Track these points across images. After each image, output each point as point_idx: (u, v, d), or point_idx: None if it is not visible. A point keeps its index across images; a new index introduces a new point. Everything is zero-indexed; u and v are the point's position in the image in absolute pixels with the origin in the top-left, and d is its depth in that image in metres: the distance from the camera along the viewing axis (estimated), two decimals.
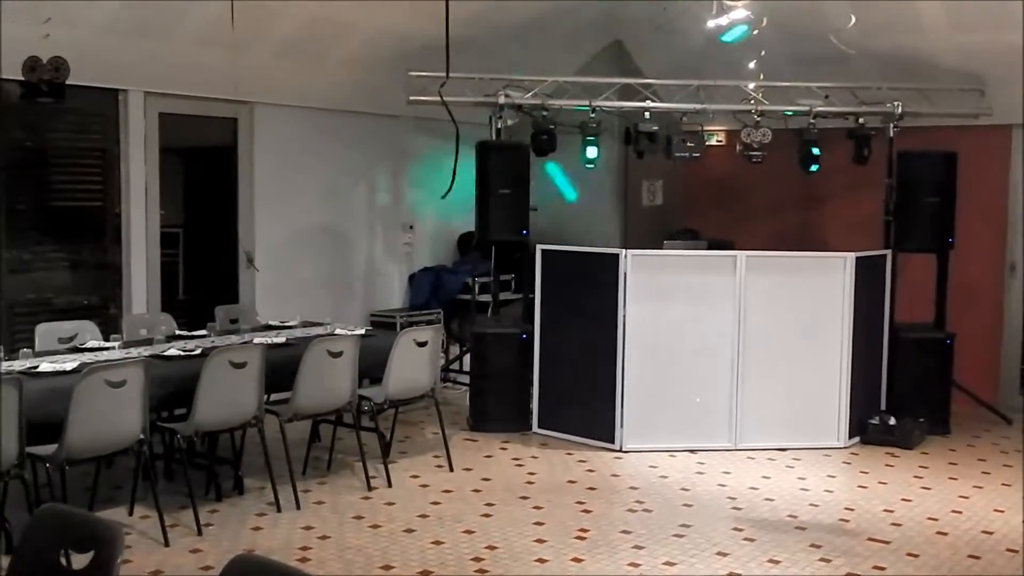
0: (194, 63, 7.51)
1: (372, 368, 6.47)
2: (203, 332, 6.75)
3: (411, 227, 10.00)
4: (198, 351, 5.97)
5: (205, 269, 8.64)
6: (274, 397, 6.17)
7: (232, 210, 8.54)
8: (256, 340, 6.30)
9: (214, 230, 8.67)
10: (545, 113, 8.34)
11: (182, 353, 5.95)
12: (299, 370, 5.90)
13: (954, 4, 7.88)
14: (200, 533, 5.41)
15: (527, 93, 8.33)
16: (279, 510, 5.79)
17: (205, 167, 8.92)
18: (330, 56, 8.34)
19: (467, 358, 8.49)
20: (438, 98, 8.15)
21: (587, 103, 8.43)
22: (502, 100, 8.21)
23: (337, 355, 6.05)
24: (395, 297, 9.89)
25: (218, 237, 8.60)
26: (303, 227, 8.97)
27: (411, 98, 8.17)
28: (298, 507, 5.85)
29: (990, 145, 8.87)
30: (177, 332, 6.77)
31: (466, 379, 8.45)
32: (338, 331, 6.82)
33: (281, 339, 6.52)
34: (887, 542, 5.53)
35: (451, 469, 6.72)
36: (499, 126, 8.31)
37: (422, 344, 6.52)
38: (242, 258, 8.49)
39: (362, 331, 6.89)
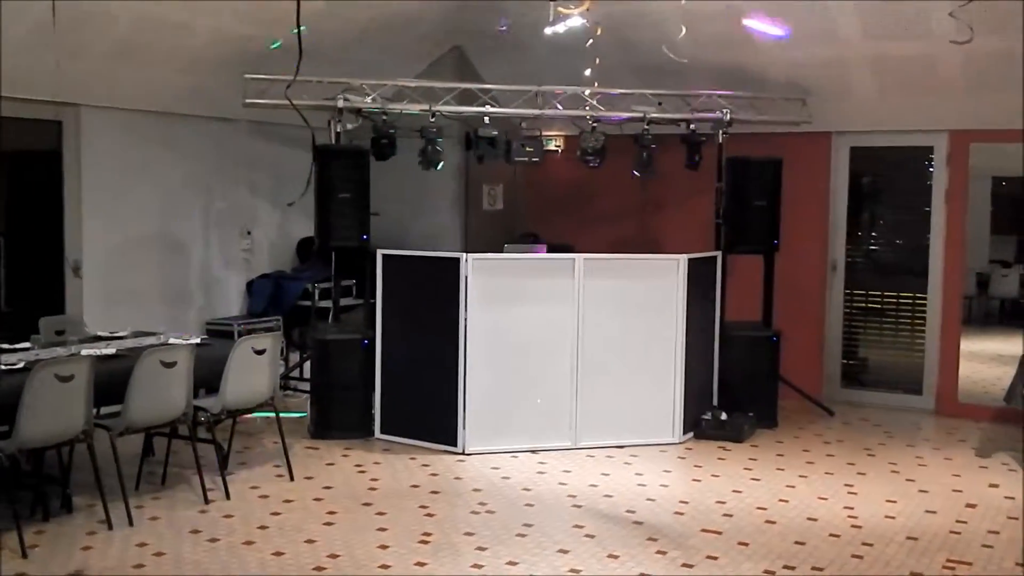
0: (15, 65, 7.15)
1: (209, 378, 6.32)
2: (27, 345, 6.43)
3: (249, 233, 9.79)
4: (21, 365, 5.70)
5: (28, 279, 8.24)
6: (104, 410, 5.95)
7: (58, 217, 8.16)
8: (84, 352, 6.06)
9: (38, 238, 8.28)
10: (385, 117, 8.31)
11: (4, 367, 5.66)
12: (130, 382, 5.70)
13: (781, 17, 8.26)
14: (25, 556, 5.15)
15: (367, 97, 8.28)
16: (111, 528, 5.58)
17: (28, 172, 8.51)
18: (162, 58, 8.08)
19: (308, 365, 8.37)
20: (275, 101, 8.03)
21: (427, 108, 8.45)
22: (341, 104, 8.14)
23: (171, 365, 5.87)
24: (233, 305, 9.67)
25: (43, 245, 8.21)
26: (135, 234, 8.66)
27: (247, 101, 8.02)
28: (131, 524, 5.65)
29: (812, 151, 9.33)
30: None
31: (307, 387, 8.33)
32: (172, 341, 6.63)
33: (111, 350, 6.29)
34: (719, 532, 5.75)
35: (292, 478, 6.61)
36: (338, 130, 8.23)
37: (260, 352, 6.40)
38: (68, 267, 8.14)
39: (197, 340, 6.72)
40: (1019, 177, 13.84)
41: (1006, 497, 6.52)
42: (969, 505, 6.34)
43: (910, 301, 9.33)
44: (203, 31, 7.92)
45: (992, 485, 6.80)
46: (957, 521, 6.03)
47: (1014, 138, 8.81)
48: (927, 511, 6.21)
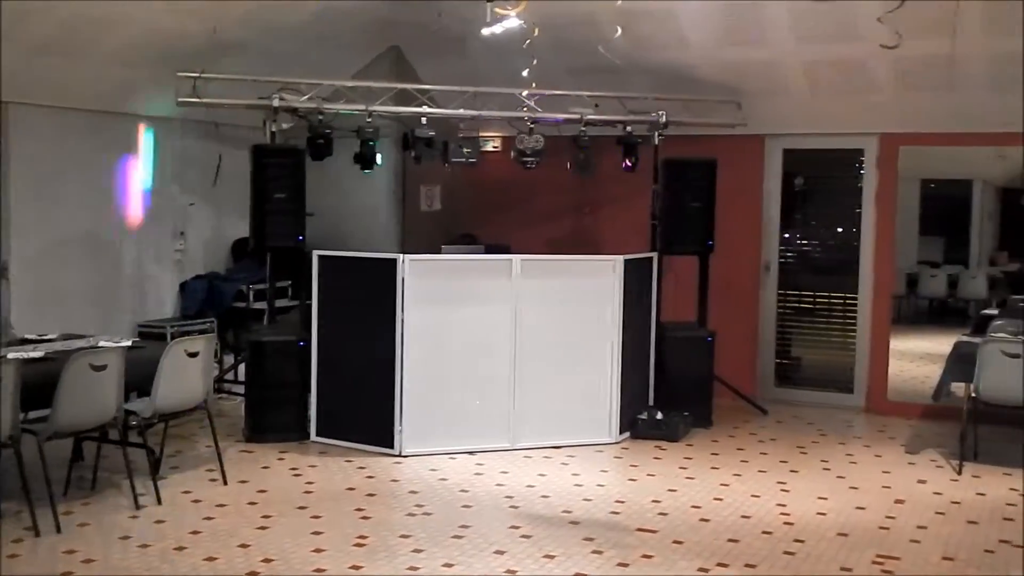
0: None
1: (141, 381, 6.21)
2: None
3: (182, 233, 9.65)
4: None
5: None
6: (32, 414, 5.81)
7: None
8: (10, 355, 5.91)
9: None
10: (321, 117, 8.25)
11: None
12: (59, 385, 5.58)
13: (717, 22, 8.36)
14: None
15: (303, 96, 8.21)
16: (38, 535, 5.45)
17: None
18: (93, 55, 7.92)
19: (242, 368, 8.28)
20: (209, 99, 7.95)
21: (364, 108, 8.40)
22: (277, 103, 8.06)
23: (101, 368, 5.76)
24: (166, 307, 9.51)
25: None
26: (65, 234, 8.47)
27: (180, 99, 7.91)
28: (59, 530, 5.53)
29: (746, 153, 9.45)
30: None
31: (241, 389, 8.24)
32: (102, 343, 6.51)
33: (39, 353, 6.15)
34: (655, 531, 5.80)
35: (225, 482, 6.53)
36: (274, 129, 8.15)
37: (193, 355, 6.31)
38: None
39: (129, 343, 6.60)
40: (947, 180, 14.23)
41: (934, 493, 6.66)
42: (898, 501, 6.47)
43: (841, 301, 9.50)
44: (136, 27, 7.77)
45: (920, 481, 6.94)
46: (886, 517, 6.14)
47: (942, 141, 9.03)
48: (857, 507, 6.32)
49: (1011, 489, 6.76)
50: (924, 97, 8.53)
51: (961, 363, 7.33)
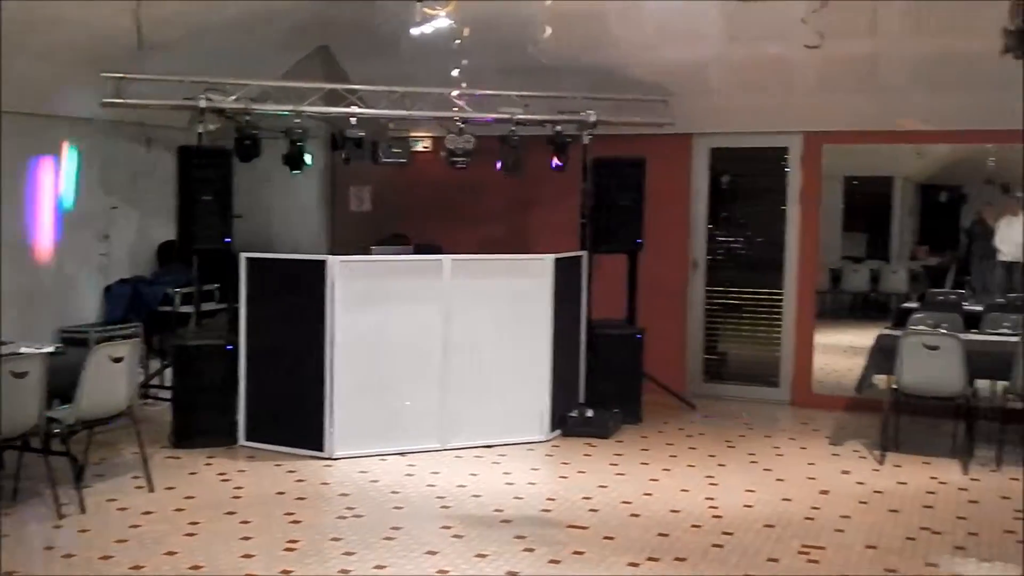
0: None
1: (64, 388, 6.08)
2: None
3: (106, 236, 9.47)
4: None
5: None
6: None
7: None
8: None
9: None
10: (248, 118, 8.17)
11: None
12: None
13: (645, 22, 8.45)
14: None
15: (230, 97, 8.12)
16: None
17: None
18: (15, 55, 7.72)
19: (169, 373, 8.14)
20: (134, 101, 7.84)
21: (292, 108, 8.33)
22: (203, 104, 7.96)
23: (21, 375, 5.64)
24: (89, 312, 9.33)
25: None
26: None
27: (104, 100, 7.78)
28: None
29: (674, 152, 9.56)
30: None
31: (168, 395, 8.11)
32: (23, 349, 6.35)
33: None
34: (586, 528, 5.85)
35: (152, 489, 6.42)
36: (201, 131, 8.05)
37: (118, 360, 6.20)
38: None
39: (51, 348, 6.47)
40: (869, 176, 14.56)
41: (857, 483, 6.82)
42: (823, 492, 6.61)
43: (767, 297, 9.67)
44: (60, 27, 7.59)
45: (844, 472, 7.10)
46: (812, 508, 6.27)
47: (863, 139, 9.24)
48: (784, 499, 6.45)
49: (931, 478, 6.95)
50: (846, 96, 8.71)
51: (883, 355, 7.53)
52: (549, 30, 8.02)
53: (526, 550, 5.46)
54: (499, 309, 7.72)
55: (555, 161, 9.04)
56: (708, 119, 9.42)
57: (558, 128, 8.97)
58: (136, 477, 6.62)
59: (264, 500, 6.29)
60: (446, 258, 7.63)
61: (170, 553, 5.33)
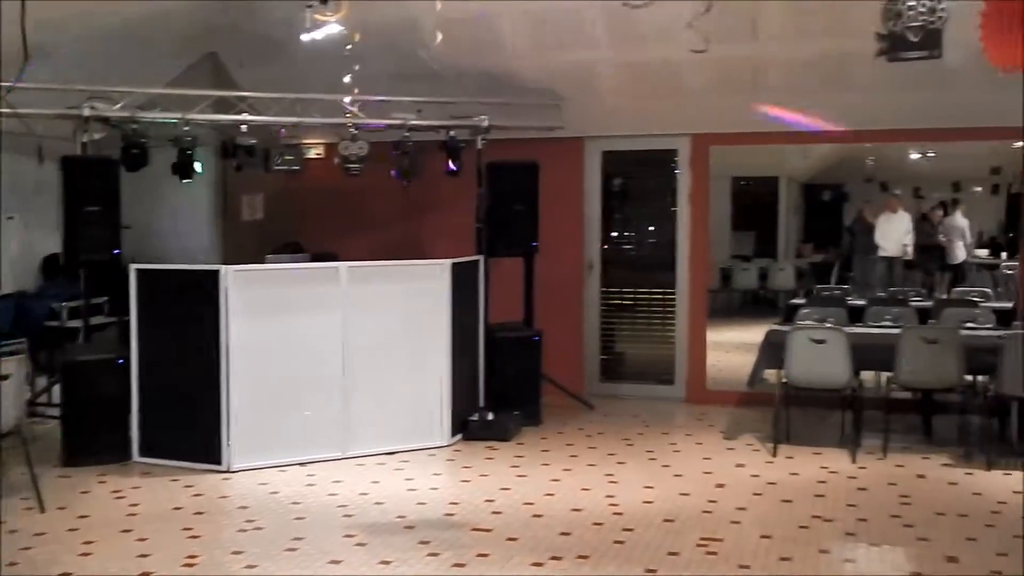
0: None
1: None
2: None
3: None
4: None
5: None
6: None
7: None
8: None
9: None
10: (135, 127, 8.01)
11: None
12: None
13: (534, 26, 8.55)
14: None
15: (116, 105, 7.93)
16: None
17: None
18: None
19: (56, 389, 7.91)
20: (14, 110, 7.57)
21: (180, 116, 8.19)
22: (87, 112, 7.77)
23: None
24: None
25: None
26: None
27: None
28: None
29: (566, 155, 9.69)
30: None
31: (56, 412, 7.88)
32: None
33: None
34: (489, 530, 5.88)
35: (42, 510, 6.21)
36: (85, 140, 7.85)
37: (3, 378, 6.00)
38: None
39: None
40: (756, 177, 15.00)
41: (752, 475, 7.01)
42: (719, 485, 6.78)
43: (661, 296, 9.86)
44: None
45: (739, 465, 7.30)
46: (708, 501, 6.43)
47: (749, 141, 9.50)
48: (681, 494, 6.59)
49: (821, 467, 7.19)
50: (732, 98, 8.95)
51: (772, 351, 7.77)
52: (440, 36, 8.05)
53: (430, 555, 5.47)
54: (397, 315, 7.71)
55: (449, 166, 9.08)
56: (598, 122, 9.57)
57: (452, 133, 9.02)
58: (25, 498, 6.39)
59: (161, 516, 6.15)
60: (343, 265, 7.59)
61: (65, 574, 5.18)
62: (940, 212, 13.86)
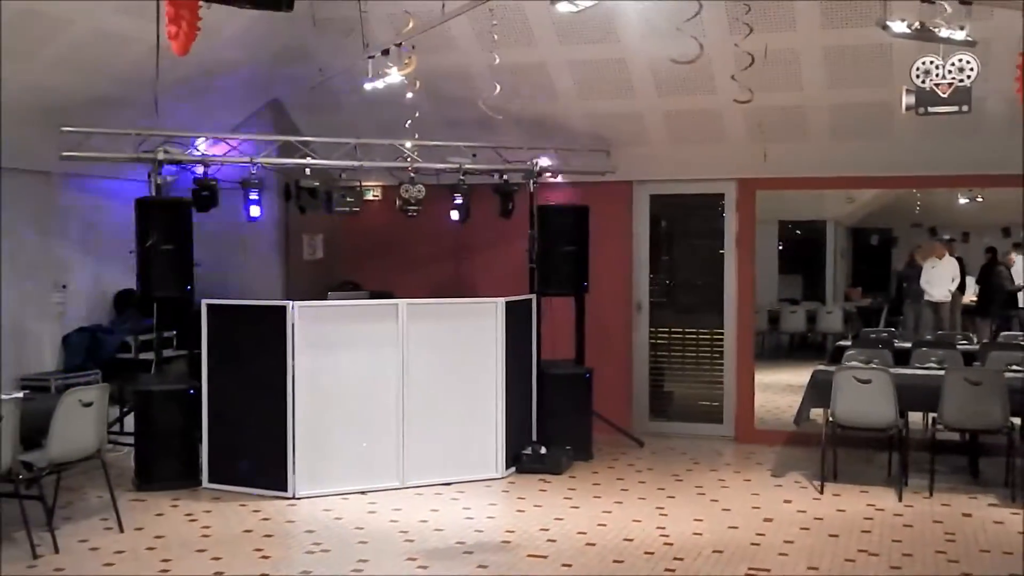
0: None
1: (30, 433, 6.20)
2: None
3: (64, 286, 9.57)
4: None
5: None
6: None
7: None
8: None
9: None
10: (205, 169, 8.40)
11: None
12: None
13: (581, 76, 8.89)
14: None
15: (187, 149, 8.35)
16: None
17: None
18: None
19: (129, 419, 8.26)
20: (92, 154, 8.03)
21: (249, 159, 8.59)
22: (162, 156, 8.18)
23: None
24: (47, 359, 9.40)
25: None
26: None
27: (64, 153, 7.96)
28: None
29: (616, 199, 9.96)
30: None
31: (127, 440, 8.24)
32: None
33: None
34: (544, 556, 6.10)
35: (121, 530, 6.55)
36: (159, 182, 8.25)
37: (88, 404, 6.35)
38: None
39: (20, 394, 6.59)
40: (803, 221, 15.16)
41: (798, 511, 7.16)
42: (767, 519, 6.95)
43: (709, 337, 10.05)
44: (12, 83, 7.77)
45: (786, 501, 7.45)
46: (756, 534, 6.60)
47: (794, 185, 9.72)
48: (730, 527, 6.77)
49: (868, 504, 7.31)
50: (776, 144, 9.17)
51: (818, 390, 7.93)
52: (499, 87, 8.36)
53: None
54: (453, 351, 7.99)
55: (502, 209, 9.41)
56: (647, 167, 9.82)
57: (504, 177, 9.35)
58: (104, 519, 6.74)
59: (232, 538, 6.45)
60: (402, 302, 7.90)
61: None
62: (1014, 256, 13.72)
